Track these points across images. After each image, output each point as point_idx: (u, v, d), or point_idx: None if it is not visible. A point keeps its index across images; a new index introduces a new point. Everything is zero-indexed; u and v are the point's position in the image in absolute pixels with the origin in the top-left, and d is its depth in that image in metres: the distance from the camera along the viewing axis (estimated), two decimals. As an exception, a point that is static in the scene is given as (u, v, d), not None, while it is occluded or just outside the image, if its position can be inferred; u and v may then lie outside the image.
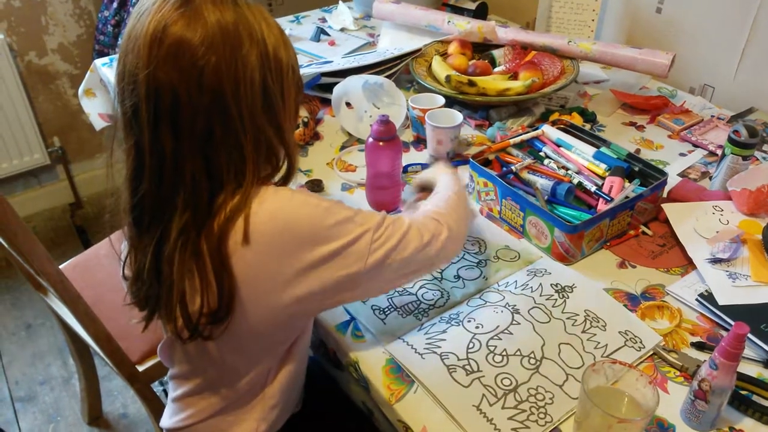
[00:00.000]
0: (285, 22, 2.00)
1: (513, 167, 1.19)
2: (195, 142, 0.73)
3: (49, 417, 1.83)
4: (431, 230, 0.87)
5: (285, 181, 0.85)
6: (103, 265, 1.55)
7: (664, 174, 1.15)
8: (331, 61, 1.67)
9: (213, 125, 0.73)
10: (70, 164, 2.56)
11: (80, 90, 1.83)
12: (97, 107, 1.83)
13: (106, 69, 1.74)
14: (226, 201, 0.75)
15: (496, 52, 1.62)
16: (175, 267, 0.76)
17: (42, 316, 2.13)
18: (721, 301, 0.97)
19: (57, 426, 1.81)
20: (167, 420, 0.97)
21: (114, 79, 0.77)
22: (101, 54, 2.23)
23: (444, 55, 1.61)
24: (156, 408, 1.37)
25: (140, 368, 1.33)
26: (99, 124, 1.83)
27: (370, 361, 0.92)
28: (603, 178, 1.17)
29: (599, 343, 0.93)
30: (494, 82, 1.44)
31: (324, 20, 2.01)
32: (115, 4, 2.17)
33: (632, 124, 1.48)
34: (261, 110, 0.76)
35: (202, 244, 0.74)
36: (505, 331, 0.95)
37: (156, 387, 1.40)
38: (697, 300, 0.99)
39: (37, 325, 2.11)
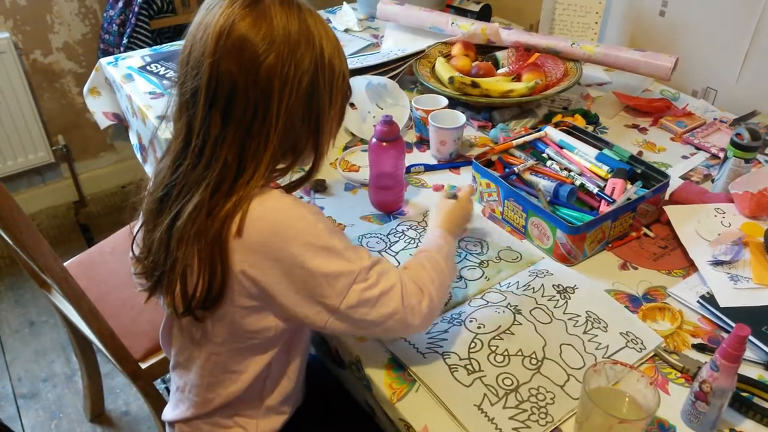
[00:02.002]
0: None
1: (516, 168, 1.20)
2: (238, 130, 0.77)
3: (52, 414, 1.84)
4: (411, 297, 0.85)
5: (302, 181, 0.88)
6: (107, 263, 1.56)
7: (666, 176, 1.16)
8: (335, 62, 1.67)
9: (256, 117, 0.77)
10: (74, 162, 2.57)
11: (85, 89, 1.84)
12: (101, 106, 1.84)
13: (111, 68, 1.74)
14: (240, 188, 0.77)
15: (499, 54, 1.63)
16: (182, 242, 0.78)
17: (45, 313, 2.14)
18: (722, 303, 0.98)
19: (59, 423, 1.82)
20: (170, 412, 0.98)
21: (178, 61, 0.81)
22: (106, 53, 2.24)
23: (447, 57, 1.62)
24: (158, 405, 1.37)
25: (143, 365, 1.34)
26: (103, 122, 1.84)
27: (372, 360, 0.93)
28: (605, 180, 1.18)
29: (600, 344, 0.94)
30: (497, 84, 1.44)
31: (328, 21, 2.02)
32: (120, 4, 2.18)
33: (635, 126, 1.49)
34: (300, 109, 0.79)
35: (208, 226, 0.76)
36: (507, 332, 0.95)
37: (158, 385, 1.40)
38: (698, 302, 1.00)
39: (40, 323, 2.12)
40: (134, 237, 0.88)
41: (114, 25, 2.21)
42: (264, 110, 0.77)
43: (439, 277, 0.90)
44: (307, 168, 0.88)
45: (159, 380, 1.40)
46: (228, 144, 0.77)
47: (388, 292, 0.83)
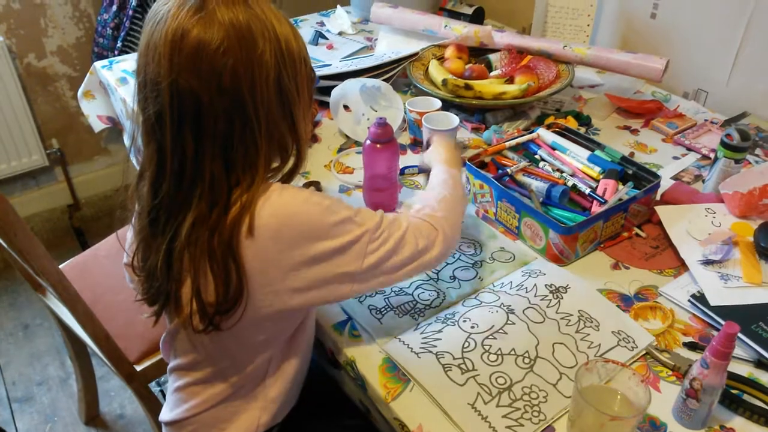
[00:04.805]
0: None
1: (509, 170, 1.21)
2: (215, 142, 0.75)
3: (46, 417, 1.84)
4: (426, 235, 0.89)
5: (292, 173, 0.87)
6: (101, 266, 1.56)
7: (657, 177, 1.17)
8: (330, 65, 1.68)
9: (232, 124, 0.75)
10: (68, 166, 2.57)
11: (79, 92, 1.84)
12: (96, 109, 1.84)
13: (105, 71, 1.75)
14: (241, 196, 0.77)
15: (492, 57, 1.64)
16: (185, 263, 0.78)
17: (40, 316, 2.13)
18: (712, 302, 0.99)
19: (54, 426, 1.81)
20: (167, 413, 0.98)
21: (134, 89, 0.79)
22: (100, 57, 2.24)
23: (441, 59, 1.62)
24: (154, 407, 1.38)
25: (138, 368, 1.34)
26: (98, 126, 1.84)
27: (367, 360, 0.94)
28: (597, 181, 1.18)
29: (592, 342, 0.94)
30: (490, 86, 1.45)
31: (322, 24, 2.02)
32: (114, 7, 2.18)
33: (626, 127, 1.50)
34: (276, 106, 0.78)
35: (214, 241, 0.76)
36: (500, 331, 0.96)
37: (153, 387, 1.40)
38: (689, 301, 1.01)
39: (34, 326, 2.11)
40: (133, 255, 0.86)
41: (108, 28, 2.21)
42: (241, 117, 0.75)
43: (449, 212, 0.94)
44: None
45: (154, 383, 1.40)
46: (209, 159, 0.75)
47: (402, 238, 0.86)
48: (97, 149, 2.62)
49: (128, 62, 1.78)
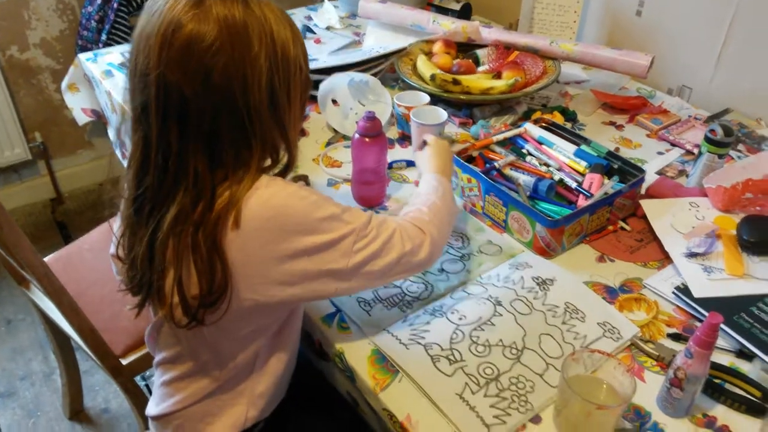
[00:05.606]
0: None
1: (496, 164, 1.22)
2: (201, 139, 0.75)
3: (30, 412, 1.82)
4: (413, 238, 0.88)
5: (283, 175, 0.86)
6: (85, 260, 1.55)
7: (642, 171, 1.18)
8: (317, 59, 1.68)
9: (220, 123, 0.75)
10: (51, 159, 2.54)
11: (63, 85, 1.82)
12: (80, 102, 1.82)
13: (90, 64, 1.73)
14: (229, 188, 0.76)
15: (479, 52, 1.64)
16: (168, 253, 0.77)
17: (23, 311, 2.11)
18: (696, 294, 1.00)
19: (37, 421, 1.80)
20: (154, 408, 0.98)
21: (126, 75, 0.79)
22: (84, 49, 2.22)
23: (429, 54, 1.63)
24: (139, 401, 1.37)
25: (124, 361, 1.33)
26: (82, 119, 1.83)
27: (356, 352, 0.94)
28: (583, 175, 1.20)
29: (578, 333, 0.95)
30: (478, 81, 1.46)
31: (310, 18, 2.02)
32: (99, 0, 2.16)
33: (612, 123, 1.52)
34: (267, 109, 0.78)
35: (199, 235, 0.75)
36: (488, 323, 0.97)
37: (138, 381, 1.39)
38: (673, 293, 1.02)
39: (17, 321, 2.09)
40: (119, 241, 0.86)
41: (92, 21, 2.19)
42: (232, 116, 0.75)
43: (437, 217, 0.94)
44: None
45: (139, 377, 1.39)
46: (192, 154, 0.75)
47: (390, 240, 0.85)
48: (80, 143, 2.60)
49: (114, 55, 1.77)
